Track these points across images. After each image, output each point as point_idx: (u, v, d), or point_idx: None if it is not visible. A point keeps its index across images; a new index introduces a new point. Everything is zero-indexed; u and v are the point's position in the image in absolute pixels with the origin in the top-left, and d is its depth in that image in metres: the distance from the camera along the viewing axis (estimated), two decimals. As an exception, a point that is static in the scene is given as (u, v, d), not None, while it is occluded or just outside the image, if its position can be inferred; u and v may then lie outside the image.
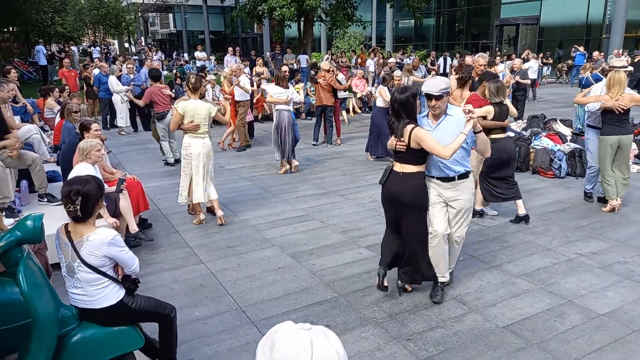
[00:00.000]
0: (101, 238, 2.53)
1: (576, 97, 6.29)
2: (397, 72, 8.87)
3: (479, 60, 6.82)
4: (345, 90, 11.76)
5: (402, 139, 3.57)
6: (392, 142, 3.64)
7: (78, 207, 2.50)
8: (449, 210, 3.81)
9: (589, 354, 3.25)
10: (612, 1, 20.48)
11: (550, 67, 21.47)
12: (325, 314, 3.77)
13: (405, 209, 3.72)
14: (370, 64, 17.95)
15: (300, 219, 5.81)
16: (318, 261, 4.68)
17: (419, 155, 3.61)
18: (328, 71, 9.65)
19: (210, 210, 5.88)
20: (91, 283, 2.55)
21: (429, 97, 3.58)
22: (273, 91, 7.63)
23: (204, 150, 5.47)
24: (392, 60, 15.32)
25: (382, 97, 8.28)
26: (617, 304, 3.85)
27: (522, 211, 5.52)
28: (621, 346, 3.31)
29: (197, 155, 5.43)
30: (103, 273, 2.57)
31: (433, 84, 3.58)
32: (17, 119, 7.76)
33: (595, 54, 16.42)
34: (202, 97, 5.93)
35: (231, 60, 18.13)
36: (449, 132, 3.57)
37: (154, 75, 9.30)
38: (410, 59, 16.50)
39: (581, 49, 19.27)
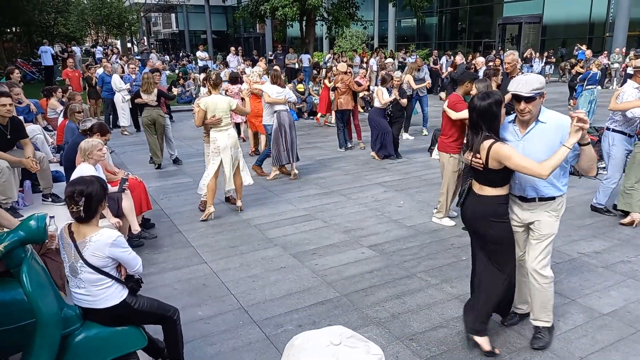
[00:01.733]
0: (104, 239, 2.54)
1: (611, 104, 5.58)
2: (398, 73, 8.80)
3: (508, 56, 6.59)
4: (367, 90, 11.32)
5: (478, 155, 2.97)
6: (467, 156, 3.12)
7: (81, 208, 2.51)
8: (528, 236, 3.24)
9: (592, 353, 3.24)
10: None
11: (552, 66, 21.42)
12: (327, 313, 3.77)
13: (479, 239, 3.20)
14: (373, 63, 17.96)
15: (302, 219, 5.81)
16: (320, 261, 4.68)
17: (500, 175, 3.00)
18: (346, 73, 9.34)
19: (229, 200, 6.36)
20: (94, 283, 2.55)
21: (517, 98, 2.91)
22: (272, 91, 7.28)
23: (230, 142, 5.77)
24: (389, 60, 15.26)
25: (378, 97, 8.24)
26: (621, 303, 3.84)
27: None
28: (625, 346, 3.31)
29: (224, 147, 5.73)
30: (106, 273, 2.57)
31: (523, 82, 2.89)
32: (21, 119, 7.77)
33: (589, 52, 16.39)
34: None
35: (233, 60, 18.16)
36: (540, 144, 2.93)
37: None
38: (412, 58, 16.49)
39: (584, 47, 19.21)
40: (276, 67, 8.76)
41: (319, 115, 12.65)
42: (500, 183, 3.04)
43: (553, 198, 3.07)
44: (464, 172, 5.33)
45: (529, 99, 2.88)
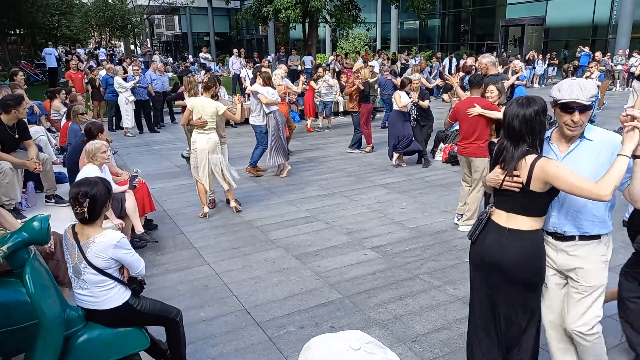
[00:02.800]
0: (107, 240, 2.54)
1: (636, 104, 5.06)
2: (416, 76, 8.45)
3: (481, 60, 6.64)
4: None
5: (515, 173, 2.37)
6: (495, 177, 2.46)
7: (86, 209, 2.52)
8: (567, 288, 2.57)
9: (595, 356, 3.22)
10: (619, 1, 20.37)
11: (555, 68, 21.39)
12: (330, 315, 3.77)
13: (507, 286, 2.50)
14: (375, 65, 17.96)
15: (305, 220, 5.81)
16: (323, 262, 4.68)
17: (542, 201, 2.40)
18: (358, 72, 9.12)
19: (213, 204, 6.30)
20: (97, 284, 2.56)
21: (570, 108, 2.31)
22: (268, 92, 7.31)
23: (208, 146, 5.76)
24: (373, 63, 15.23)
25: (396, 101, 8.03)
26: (624, 306, 3.81)
27: None
28: (628, 349, 3.28)
29: (201, 150, 5.75)
30: (109, 275, 2.58)
31: (577, 87, 2.31)
32: (24, 120, 7.80)
33: (598, 54, 16.37)
34: (214, 96, 5.96)
35: (236, 62, 18.18)
36: (587, 165, 2.37)
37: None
38: (416, 60, 16.49)
39: (586, 49, 19.19)
40: (266, 70, 8.48)
41: (308, 122, 12.00)
42: (540, 212, 2.44)
43: (599, 237, 2.46)
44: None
45: (584, 109, 2.31)
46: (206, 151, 5.74)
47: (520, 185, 2.36)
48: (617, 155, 2.23)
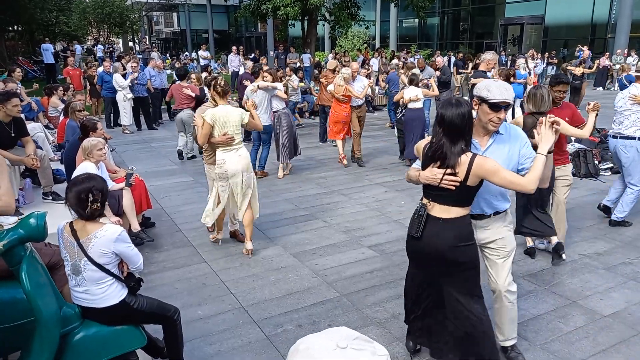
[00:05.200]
0: (109, 234, 2.55)
1: None
2: (416, 71, 8.43)
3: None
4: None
5: (453, 170, 2.57)
6: (431, 174, 2.64)
7: (98, 204, 2.55)
8: (484, 258, 2.96)
9: (593, 355, 3.23)
10: (617, 1, 20.38)
11: (555, 67, 21.39)
12: (327, 313, 3.76)
13: (451, 271, 2.73)
14: (374, 63, 17.94)
15: (303, 219, 5.80)
16: (321, 261, 4.67)
17: (473, 193, 2.68)
18: (333, 71, 9.18)
19: (235, 236, 5.21)
20: (96, 281, 2.55)
21: (497, 106, 2.63)
22: (282, 89, 7.41)
23: (242, 164, 4.63)
24: (394, 62, 15.18)
25: (402, 97, 7.86)
26: (622, 305, 3.82)
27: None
28: (626, 347, 3.29)
29: (234, 172, 4.59)
30: (108, 271, 2.57)
31: (503, 88, 2.64)
32: (22, 117, 7.77)
33: (586, 52, 16.39)
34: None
35: (234, 60, 18.14)
36: (501, 156, 2.70)
37: (180, 74, 9.56)
38: (414, 59, 16.45)
39: (585, 48, 19.19)
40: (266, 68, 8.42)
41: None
42: (470, 201, 2.71)
43: (505, 211, 2.91)
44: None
45: (508, 107, 2.65)
46: (240, 172, 4.60)
47: (458, 183, 2.57)
48: (538, 153, 2.62)
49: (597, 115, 4.44)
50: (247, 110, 4.80)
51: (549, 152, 2.63)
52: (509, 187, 2.60)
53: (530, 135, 3.83)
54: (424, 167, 2.74)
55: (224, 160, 4.58)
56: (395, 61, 16.92)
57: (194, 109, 8.37)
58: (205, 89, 7.92)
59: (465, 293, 2.74)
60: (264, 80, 7.07)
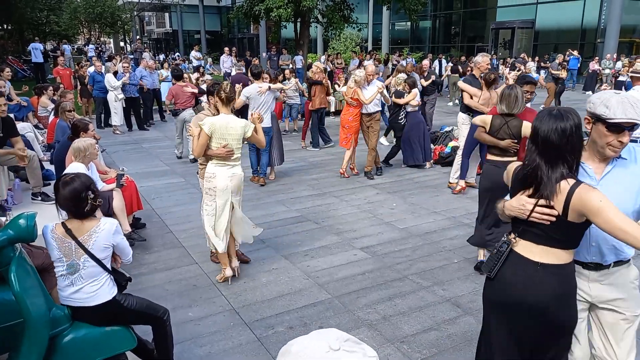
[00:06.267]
0: (109, 227, 2.60)
1: None
2: (402, 76, 8.39)
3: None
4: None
5: (549, 202, 1.97)
6: (520, 206, 2.05)
7: (100, 199, 2.63)
8: (594, 320, 2.28)
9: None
10: (607, 6, 20.63)
11: (546, 71, 21.60)
12: (319, 315, 3.76)
13: (539, 329, 2.09)
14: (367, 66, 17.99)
15: (294, 220, 5.80)
16: (312, 262, 4.68)
17: (578, 232, 2.01)
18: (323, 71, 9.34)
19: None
20: (93, 277, 2.56)
21: (619, 127, 1.98)
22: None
23: (233, 184, 4.09)
24: (369, 62, 15.20)
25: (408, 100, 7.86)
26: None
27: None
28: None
29: (222, 189, 4.06)
30: (104, 266, 2.60)
31: (631, 105, 1.97)
32: (12, 117, 7.71)
33: (560, 57, 16.56)
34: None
35: (227, 61, 18.10)
36: (622, 188, 2.05)
37: (176, 75, 9.54)
38: (406, 62, 16.54)
39: (575, 53, 19.42)
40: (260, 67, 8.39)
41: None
42: (576, 243, 2.05)
43: (628, 260, 2.19)
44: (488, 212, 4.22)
45: (632, 129, 1.99)
46: (229, 191, 4.08)
47: (554, 218, 1.96)
48: None
49: None
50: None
51: None
52: (618, 237, 1.84)
53: (499, 138, 3.73)
54: (512, 194, 2.17)
55: (214, 175, 4.07)
56: (367, 63, 16.97)
57: (194, 107, 8.44)
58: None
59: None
60: (263, 82, 7.06)
